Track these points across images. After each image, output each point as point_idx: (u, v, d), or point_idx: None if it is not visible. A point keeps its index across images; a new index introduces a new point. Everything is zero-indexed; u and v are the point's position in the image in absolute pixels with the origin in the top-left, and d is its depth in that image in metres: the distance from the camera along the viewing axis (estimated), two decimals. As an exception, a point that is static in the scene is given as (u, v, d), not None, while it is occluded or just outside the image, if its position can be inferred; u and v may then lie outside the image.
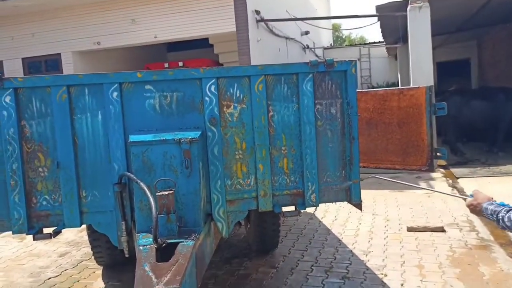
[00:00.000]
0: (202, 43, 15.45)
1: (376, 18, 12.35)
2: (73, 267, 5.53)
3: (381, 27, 13.27)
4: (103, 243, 4.89)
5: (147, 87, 3.10)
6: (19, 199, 3.02)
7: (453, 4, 11.15)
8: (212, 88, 3.09)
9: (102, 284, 5.00)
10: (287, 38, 14.91)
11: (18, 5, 11.41)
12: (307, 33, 17.51)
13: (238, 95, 3.15)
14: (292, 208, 3.29)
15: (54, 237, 3.09)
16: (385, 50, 21.77)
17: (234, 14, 11.08)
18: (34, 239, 3.07)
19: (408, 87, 3.73)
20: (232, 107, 3.14)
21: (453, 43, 18.70)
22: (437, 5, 10.39)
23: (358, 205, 3.34)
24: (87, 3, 11.95)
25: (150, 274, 2.13)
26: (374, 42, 23.18)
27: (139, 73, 3.08)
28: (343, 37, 45.92)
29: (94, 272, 5.34)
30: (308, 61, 3.14)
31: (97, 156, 3.09)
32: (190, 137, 2.83)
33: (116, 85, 3.04)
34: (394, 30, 14.26)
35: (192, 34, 12.00)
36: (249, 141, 3.17)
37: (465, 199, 2.18)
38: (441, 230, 5.89)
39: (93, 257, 5.28)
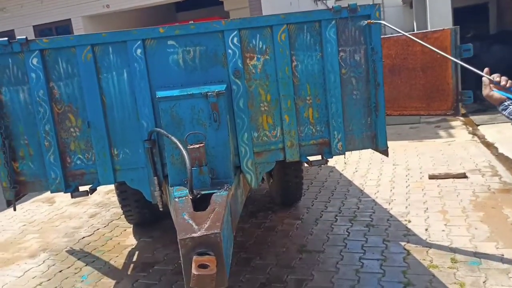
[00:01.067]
0: (212, 1, 15.19)
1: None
2: (105, 226, 5.72)
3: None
4: (132, 202, 5.03)
5: (170, 42, 3.09)
6: (54, 159, 3.10)
7: None
8: (235, 40, 3.07)
9: (134, 241, 5.18)
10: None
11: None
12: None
13: (260, 46, 3.12)
14: (318, 157, 3.32)
15: (90, 194, 3.19)
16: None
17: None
18: (72, 197, 3.17)
19: (432, 30, 3.65)
20: (255, 58, 3.13)
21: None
22: None
23: (385, 152, 3.36)
24: (94, -35, 11.73)
25: (190, 221, 2.21)
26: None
27: (161, 28, 3.06)
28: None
29: (125, 230, 5.52)
30: (331, 7, 3.09)
31: (125, 114, 3.14)
32: (216, 90, 2.84)
33: (139, 42, 3.04)
34: None
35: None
36: (273, 93, 3.17)
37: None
38: (463, 176, 5.91)
39: (123, 216, 5.46)
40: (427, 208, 5.11)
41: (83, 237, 5.42)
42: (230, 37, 3.06)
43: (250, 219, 5.33)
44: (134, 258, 4.75)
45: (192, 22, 10.57)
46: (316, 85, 3.18)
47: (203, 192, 2.62)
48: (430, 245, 4.19)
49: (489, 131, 8.36)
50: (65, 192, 3.16)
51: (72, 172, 3.16)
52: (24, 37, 2.98)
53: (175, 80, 3.10)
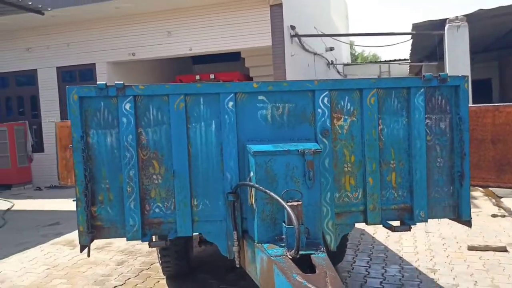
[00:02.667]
0: (229, 57, 15.61)
1: (403, 38, 12.44)
2: (135, 276, 5.52)
3: (412, 45, 13.33)
4: (172, 253, 4.89)
5: (260, 97, 3.12)
6: (135, 206, 3.03)
7: (488, 25, 11.22)
8: (325, 100, 3.11)
9: (171, 295, 4.98)
10: (315, 53, 15.02)
11: (55, 15, 11.57)
12: (331, 49, 17.62)
13: (348, 107, 3.17)
14: (397, 222, 3.28)
15: (167, 244, 3.09)
16: (406, 68, 21.84)
17: (271, 29, 11.18)
18: (150, 246, 3.07)
19: (504, 104, 3.74)
20: (342, 119, 3.16)
21: (476, 63, 18.75)
22: (473, 25, 10.45)
23: (468, 223, 3.32)
24: (124, 15, 12.12)
25: (309, 285, 2.12)
26: (395, 60, 23.27)
27: (255, 83, 3.10)
28: (356, 54, 46.10)
29: (158, 281, 5.32)
30: (422, 75, 3.16)
31: (209, 165, 3.11)
32: (314, 148, 2.84)
33: (232, 95, 3.07)
34: (423, 49, 14.33)
35: (226, 47, 12.13)
36: (357, 154, 3.18)
37: None
38: (504, 249, 5.84)
39: (152, 266, 5.29)
40: (476, 282, 4.99)
41: (115, 286, 5.21)
42: (321, 97, 3.11)
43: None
44: (176, 313, 4.54)
45: (213, 75, 10.83)
46: (401, 150, 3.19)
47: (301, 253, 2.54)
48: (491, 322, 4.05)
49: (514, 204, 8.36)
50: (142, 241, 3.06)
51: (150, 221, 3.08)
52: (122, 82, 2.99)
53: (262, 135, 3.10)
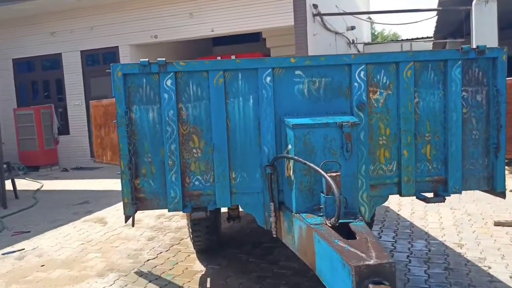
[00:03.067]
0: (249, 38, 15.59)
1: (427, 15, 12.21)
2: (167, 250, 5.68)
3: (437, 21, 13.09)
4: (203, 228, 5.03)
5: (297, 72, 3.17)
6: (176, 178, 3.14)
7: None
8: (362, 74, 3.14)
9: (202, 267, 5.13)
10: (336, 33, 14.87)
11: (79, -2, 11.69)
12: (353, 28, 17.41)
13: (384, 81, 3.20)
14: (430, 194, 3.32)
15: (207, 215, 3.20)
16: (429, 46, 21.46)
17: (293, 8, 11.11)
18: (192, 217, 3.19)
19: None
20: (378, 93, 3.20)
21: (503, 39, 18.32)
22: (501, 0, 10.20)
23: (502, 194, 3.35)
24: (146, -3, 12.16)
25: (352, 249, 2.20)
26: (417, 38, 22.85)
27: (292, 58, 3.15)
28: (376, 33, 45.40)
29: (189, 255, 5.48)
30: (460, 48, 3.17)
31: (246, 139, 3.19)
32: (351, 121, 2.89)
33: (270, 70, 3.13)
34: (448, 25, 14.06)
35: (248, 28, 12.10)
36: (392, 127, 3.22)
37: None
38: (531, 225, 5.83)
39: (182, 242, 5.45)
40: (504, 255, 5.01)
41: (148, 260, 5.38)
42: (357, 71, 3.14)
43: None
44: (208, 285, 4.69)
45: (234, 56, 10.85)
46: (436, 122, 3.22)
47: (340, 221, 2.61)
48: (520, 293, 4.09)
49: (541, 182, 8.27)
50: (183, 211, 3.17)
51: (190, 193, 3.19)
52: (164, 59, 3.07)
53: (298, 109, 3.16)
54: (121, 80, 3.06)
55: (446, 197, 3.28)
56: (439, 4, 10.91)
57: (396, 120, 3.21)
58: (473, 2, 10.39)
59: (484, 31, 10.08)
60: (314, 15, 11.87)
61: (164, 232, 6.42)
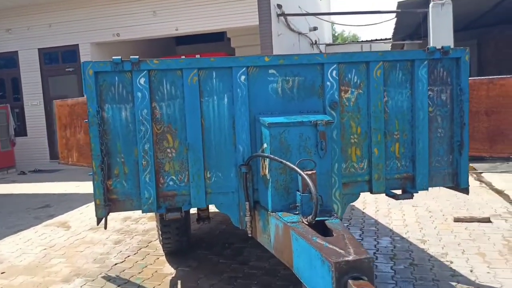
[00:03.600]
0: (212, 37, 15.52)
1: (386, 17, 12.51)
2: (134, 253, 5.60)
3: (396, 23, 13.48)
4: (173, 229, 4.99)
5: (271, 71, 3.20)
6: (150, 179, 3.10)
7: (470, 2, 11.41)
8: (334, 73, 3.20)
9: (172, 270, 5.09)
10: (299, 33, 15.05)
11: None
12: (315, 28, 17.67)
13: (355, 80, 3.27)
14: (398, 192, 3.42)
15: (182, 216, 3.17)
16: (388, 47, 22.07)
17: (258, 8, 11.15)
18: (165, 218, 3.15)
19: (498, 76, 3.89)
20: (349, 92, 3.26)
21: (456, 42, 19.07)
22: (457, 3, 10.62)
23: (465, 190, 3.49)
24: (108, -6, 11.89)
25: (330, 246, 2.24)
26: (376, 40, 23.44)
27: (266, 57, 3.17)
28: (336, 34, 46.18)
29: (158, 258, 5.42)
30: (426, 48, 3.28)
31: (221, 138, 3.18)
32: (325, 120, 2.94)
33: (244, 68, 3.13)
34: (406, 27, 14.49)
35: (213, 27, 12.05)
36: (363, 126, 3.30)
37: None
38: (488, 220, 6.10)
39: (151, 244, 5.38)
40: (464, 250, 5.22)
41: (115, 264, 5.28)
42: (330, 70, 3.19)
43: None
44: (179, 287, 4.66)
45: (199, 56, 10.74)
46: (404, 121, 3.32)
47: (316, 219, 2.65)
48: (481, 287, 4.28)
49: (495, 179, 8.69)
50: (157, 212, 3.13)
51: (164, 193, 3.16)
52: (137, 57, 3.03)
53: (272, 107, 3.19)
54: (93, 78, 2.99)
55: (414, 194, 3.39)
56: (398, 6, 11.24)
57: (366, 119, 3.29)
58: (430, 5, 10.76)
59: (440, 32, 10.46)
60: (278, 15, 11.97)
61: (131, 235, 6.31)
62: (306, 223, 2.61)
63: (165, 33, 12.22)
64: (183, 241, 5.15)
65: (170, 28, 11.95)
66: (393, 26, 14.29)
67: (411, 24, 13.49)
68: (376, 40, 23.31)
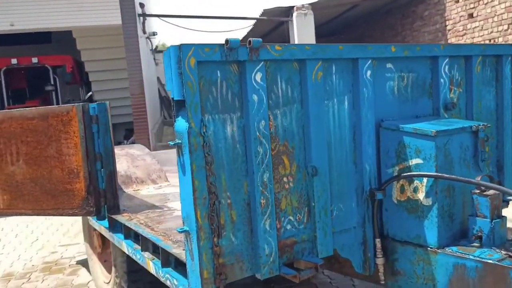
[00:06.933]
0: (38, 38, 13.06)
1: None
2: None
3: (251, 31, 13.49)
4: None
5: (388, 65, 2.46)
6: (270, 225, 2.01)
7: (328, 12, 12.20)
8: (446, 69, 2.65)
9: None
10: (147, 37, 13.86)
11: None
12: (155, 34, 16.58)
13: (457, 77, 2.78)
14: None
15: (319, 271, 2.15)
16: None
17: (120, 6, 9.68)
18: (299, 280, 2.06)
19: None
20: (452, 91, 2.76)
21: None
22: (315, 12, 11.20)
23: None
24: None
25: None
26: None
27: (393, 46, 2.41)
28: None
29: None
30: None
31: (342, 155, 2.30)
32: (482, 124, 2.37)
33: (370, 61, 2.32)
34: (256, 35, 14.68)
35: (58, 24, 10.13)
36: None
37: None
38: None
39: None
40: None
41: None
42: (443, 64, 2.65)
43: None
44: None
45: (37, 59, 8.98)
46: (492, 122, 2.98)
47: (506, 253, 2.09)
48: None
49: None
50: (280, 274, 2.09)
51: (282, 243, 2.13)
52: (259, 39, 1.93)
53: (388, 112, 2.48)
54: (195, 72, 1.78)
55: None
56: (263, 14, 11.22)
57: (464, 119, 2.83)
58: (294, 14, 11.09)
59: (304, 39, 10.82)
60: (139, 16, 10.66)
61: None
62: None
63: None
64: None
65: (3, 23, 9.49)
66: (244, 34, 14.29)
67: (262, 32, 13.69)
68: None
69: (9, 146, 3.03)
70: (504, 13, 9.92)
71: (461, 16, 11.37)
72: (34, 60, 10.74)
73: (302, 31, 11.09)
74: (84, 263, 5.24)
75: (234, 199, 1.97)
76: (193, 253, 1.86)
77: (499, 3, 10.03)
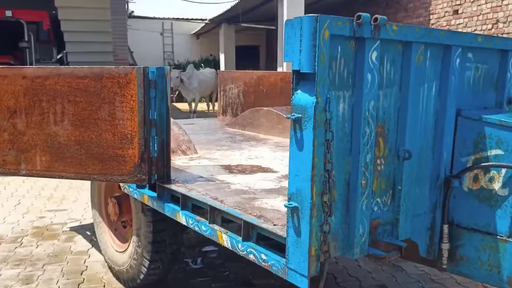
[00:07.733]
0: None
1: None
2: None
3: (236, 6, 13.28)
4: (167, 248, 3.57)
5: (469, 55, 2.49)
6: (366, 206, 2.00)
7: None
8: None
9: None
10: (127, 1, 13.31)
11: None
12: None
13: None
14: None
15: (403, 253, 2.17)
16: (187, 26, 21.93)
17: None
18: (387, 261, 2.08)
19: None
20: None
21: (248, 30, 20.40)
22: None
23: None
24: None
25: None
26: (181, 19, 22.81)
27: (480, 37, 2.42)
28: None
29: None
30: None
31: (424, 142, 2.33)
32: None
33: (460, 49, 2.34)
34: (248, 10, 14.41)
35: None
36: None
37: None
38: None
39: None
40: None
41: None
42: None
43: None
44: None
45: (11, 12, 8.46)
46: None
47: None
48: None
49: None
50: (369, 255, 2.10)
51: (371, 224, 2.14)
52: (385, 17, 1.88)
53: (463, 101, 2.53)
54: (327, 46, 1.71)
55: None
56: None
57: None
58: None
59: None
60: None
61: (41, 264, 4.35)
62: None
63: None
64: (171, 267, 3.77)
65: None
66: (226, 8, 14.05)
67: (248, 6, 13.50)
68: (180, 19, 22.71)
69: (53, 105, 2.83)
70: (489, 13, 10.25)
71: (446, 11, 11.64)
72: (8, 13, 10.02)
73: (293, 13, 11.04)
74: (78, 230, 5.06)
75: (337, 178, 1.95)
76: (301, 230, 1.83)
77: (486, 2, 10.35)
